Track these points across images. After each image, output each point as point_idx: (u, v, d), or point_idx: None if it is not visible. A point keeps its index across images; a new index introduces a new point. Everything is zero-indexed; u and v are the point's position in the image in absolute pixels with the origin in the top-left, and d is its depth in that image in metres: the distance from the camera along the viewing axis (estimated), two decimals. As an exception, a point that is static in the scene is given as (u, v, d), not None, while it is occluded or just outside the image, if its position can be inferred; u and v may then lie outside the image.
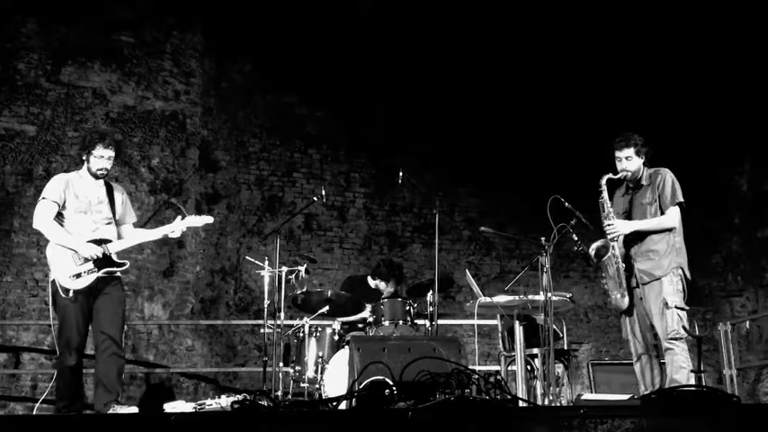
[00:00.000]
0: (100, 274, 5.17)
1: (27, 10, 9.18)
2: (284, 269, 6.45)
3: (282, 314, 6.34)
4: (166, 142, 9.64)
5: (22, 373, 8.38)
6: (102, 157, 5.26)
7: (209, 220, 5.70)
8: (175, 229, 5.49)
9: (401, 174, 6.50)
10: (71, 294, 5.07)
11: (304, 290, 6.56)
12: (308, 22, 10.24)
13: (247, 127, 10.37)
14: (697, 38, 10.24)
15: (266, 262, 6.46)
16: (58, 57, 9.23)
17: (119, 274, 5.34)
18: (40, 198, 5.26)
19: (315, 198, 7.11)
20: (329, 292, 6.53)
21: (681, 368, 5.00)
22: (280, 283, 6.37)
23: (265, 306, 6.51)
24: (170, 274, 9.37)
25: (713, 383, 9.23)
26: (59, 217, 5.22)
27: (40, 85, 9.11)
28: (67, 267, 5.11)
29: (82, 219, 5.25)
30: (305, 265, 6.59)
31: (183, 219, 5.52)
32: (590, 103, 10.28)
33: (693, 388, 4.23)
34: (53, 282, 5.15)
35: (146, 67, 9.66)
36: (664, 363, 5.21)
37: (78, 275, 5.11)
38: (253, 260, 6.85)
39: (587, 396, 6.42)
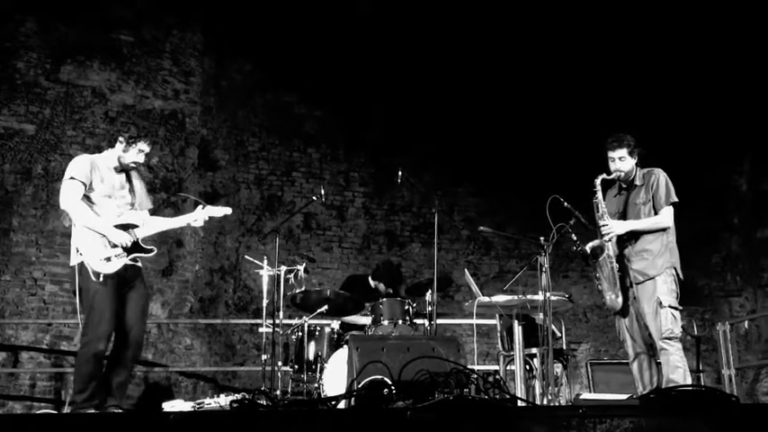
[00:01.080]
0: (128, 259, 5.10)
1: (26, 9, 9.17)
2: (283, 268, 6.45)
3: (281, 313, 6.34)
4: (165, 141, 9.64)
5: (20, 372, 8.38)
6: (141, 152, 5.26)
7: (227, 211, 5.68)
8: (198, 217, 5.49)
9: (400, 173, 6.49)
10: (101, 278, 4.97)
11: (303, 289, 6.55)
12: (307, 22, 10.24)
13: (247, 126, 10.38)
14: (696, 38, 10.24)
15: (265, 261, 6.47)
16: (57, 55, 9.22)
17: (140, 264, 5.25)
18: (67, 178, 5.10)
19: (314, 197, 7.12)
20: (328, 292, 6.53)
21: (677, 368, 5.00)
22: (279, 282, 6.37)
23: (264, 305, 6.51)
24: (169, 273, 9.37)
25: (712, 383, 9.23)
26: (86, 200, 5.10)
27: (39, 83, 9.10)
28: (99, 251, 5.01)
29: (108, 203, 5.16)
30: (304, 265, 6.59)
31: (203, 208, 5.52)
32: (589, 103, 10.28)
33: (692, 388, 4.23)
34: (81, 265, 5.01)
35: (145, 65, 9.66)
36: (660, 362, 5.21)
37: (109, 259, 5.02)
38: (252, 259, 6.84)
39: (586, 396, 6.42)
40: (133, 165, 5.29)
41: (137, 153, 5.24)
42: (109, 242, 5.05)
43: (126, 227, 5.14)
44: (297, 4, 10.16)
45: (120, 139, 5.24)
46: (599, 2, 10.21)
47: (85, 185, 5.07)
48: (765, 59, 9.94)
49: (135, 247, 5.15)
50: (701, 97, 10.36)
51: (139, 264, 5.25)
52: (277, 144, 10.47)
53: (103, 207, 5.13)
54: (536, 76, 10.58)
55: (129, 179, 5.34)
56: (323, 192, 6.87)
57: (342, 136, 10.76)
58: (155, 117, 9.61)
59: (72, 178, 5.06)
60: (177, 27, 9.95)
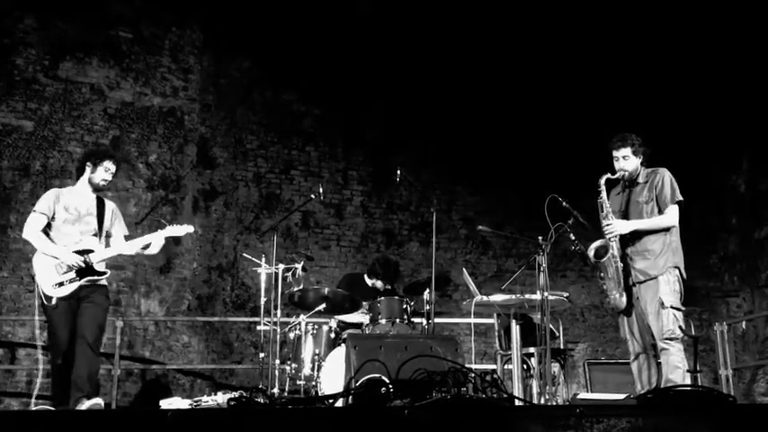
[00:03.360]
0: (82, 282, 5.41)
1: (25, 5, 9.16)
2: (281, 266, 6.44)
3: (279, 311, 6.33)
4: (164, 138, 9.63)
5: (17, 368, 8.37)
6: (108, 170, 5.66)
7: (189, 229, 5.87)
8: (153, 240, 5.71)
9: (399, 171, 6.49)
10: (54, 302, 5.33)
11: (301, 287, 6.55)
12: (307, 20, 10.24)
13: (245, 124, 10.37)
14: (696, 37, 10.24)
15: (263, 259, 6.47)
16: (56, 52, 9.21)
17: (104, 282, 5.59)
18: (32, 211, 5.55)
19: (312, 195, 7.11)
20: (326, 290, 6.53)
21: (676, 368, 5.00)
22: (276, 280, 6.37)
23: (262, 303, 6.51)
24: (167, 270, 9.36)
25: (709, 383, 9.23)
26: (48, 227, 5.50)
27: (37, 80, 9.09)
28: (51, 276, 5.37)
29: (69, 229, 5.51)
30: (302, 263, 6.59)
31: (164, 228, 5.75)
32: (587, 102, 10.28)
33: (689, 388, 4.23)
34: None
35: (144, 63, 9.65)
36: (660, 362, 5.21)
37: (61, 284, 5.36)
38: (250, 257, 6.84)
39: (583, 395, 6.42)
40: (103, 184, 5.68)
41: (104, 172, 5.65)
42: (61, 267, 5.38)
43: (82, 252, 5.44)
44: (296, 3, 10.15)
45: (88, 162, 5.67)
46: (599, 1, 10.20)
47: (47, 216, 5.49)
48: (763, 59, 9.94)
49: (88, 271, 5.45)
50: (699, 97, 10.35)
51: (103, 282, 5.57)
52: (275, 142, 10.46)
53: (62, 232, 5.49)
54: (535, 75, 10.58)
55: (101, 207, 5.67)
56: (321, 190, 6.88)
57: (340, 134, 10.75)
58: (153, 114, 9.60)
59: (34, 211, 5.53)
60: (176, 24, 9.94)
